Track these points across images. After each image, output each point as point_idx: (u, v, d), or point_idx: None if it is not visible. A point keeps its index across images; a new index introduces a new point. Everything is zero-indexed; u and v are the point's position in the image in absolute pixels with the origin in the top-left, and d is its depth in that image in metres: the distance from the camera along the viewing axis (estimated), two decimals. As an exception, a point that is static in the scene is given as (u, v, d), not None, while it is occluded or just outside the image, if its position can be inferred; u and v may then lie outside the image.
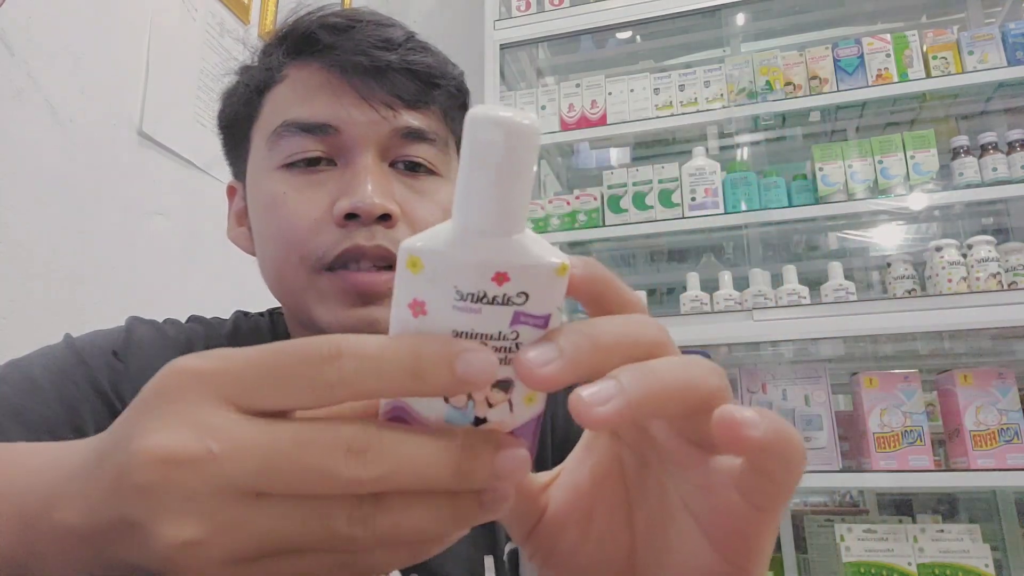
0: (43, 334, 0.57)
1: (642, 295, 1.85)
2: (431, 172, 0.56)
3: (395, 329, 0.24)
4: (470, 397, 0.24)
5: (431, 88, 0.55)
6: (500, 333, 0.23)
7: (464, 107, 0.60)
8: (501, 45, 2.02)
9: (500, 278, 0.23)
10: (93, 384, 0.52)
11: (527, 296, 0.23)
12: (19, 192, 0.96)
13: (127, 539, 0.23)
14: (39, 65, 1.01)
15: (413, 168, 0.55)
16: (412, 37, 0.56)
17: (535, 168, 0.23)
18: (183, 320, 0.63)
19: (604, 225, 1.88)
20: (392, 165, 0.54)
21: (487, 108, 0.22)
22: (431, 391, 0.23)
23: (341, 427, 0.22)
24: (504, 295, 0.23)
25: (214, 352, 0.24)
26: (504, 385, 0.24)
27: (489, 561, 0.56)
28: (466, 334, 0.23)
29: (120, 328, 0.58)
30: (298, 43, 0.55)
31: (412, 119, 0.54)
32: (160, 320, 0.61)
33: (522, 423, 0.25)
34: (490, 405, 0.25)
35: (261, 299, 0.65)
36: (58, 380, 0.51)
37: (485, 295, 0.23)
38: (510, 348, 0.24)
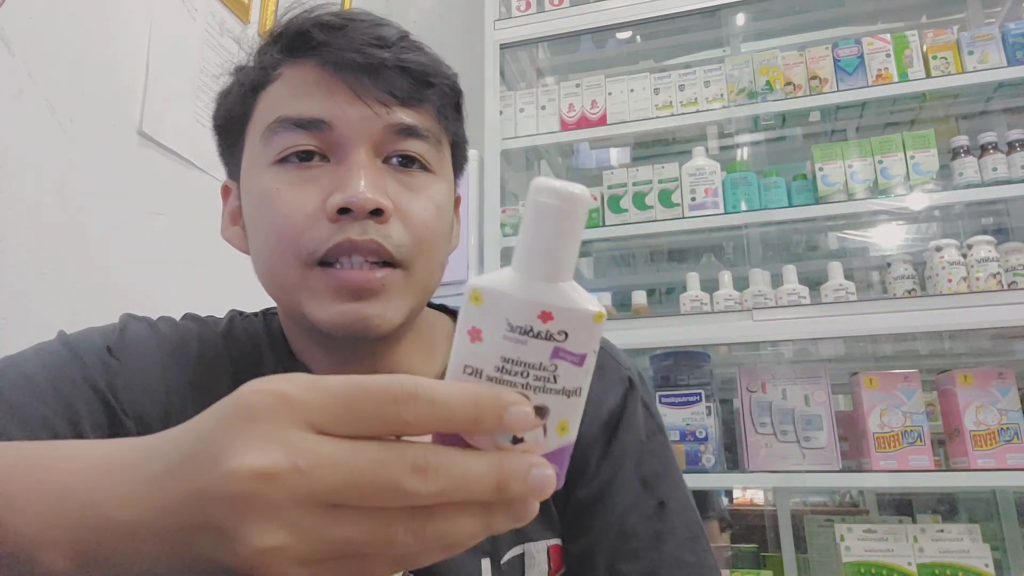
0: (43, 334, 0.57)
1: (642, 295, 1.86)
2: (424, 168, 0.56)
3: (455, 351, 0.29)
4: None
5: (424, 86, 0.55)
6: (541, 364, 0.28)
7: (458, 107, 0.60)
8: (501, 45, 2.02)
9: (545, 316, 0.28)
10: (88, 381, 0.52)
11: (567, 335, 0.28)
12: (19, 192, 0.97)
13: (210, 540, 0.26)
14: (39, 65, 1.01)
15: (406, 164, 0.55)
16: (406, 36, 0.56)
17: (582, 230, 0.28)
18: (178, 318, 0.63)
19: (604, 225, 1.88)
20: (386, 161, 0.55)
21: (547, 179, 0.27)
22: (484, 432, 0.28)
23: (407, 449, 0.26)
24: (547, 331, 0.28)
25: (298, 378, 0.27)
26: (540, 412, 0.28)
27: (486, 563, 0.56)
28: (512, 361, 0.28)
29: (114, 325, 0.58)
30: (292, 42, 0.55)
31: (405, 116, 0.54)
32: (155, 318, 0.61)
33: (554, 449, 0.29)
34: None
35: (261, 299, 0.65)
36: (54, 377, 0.51)
37: (531, 329, 0.28)
38: (548, 378, 0.28)
